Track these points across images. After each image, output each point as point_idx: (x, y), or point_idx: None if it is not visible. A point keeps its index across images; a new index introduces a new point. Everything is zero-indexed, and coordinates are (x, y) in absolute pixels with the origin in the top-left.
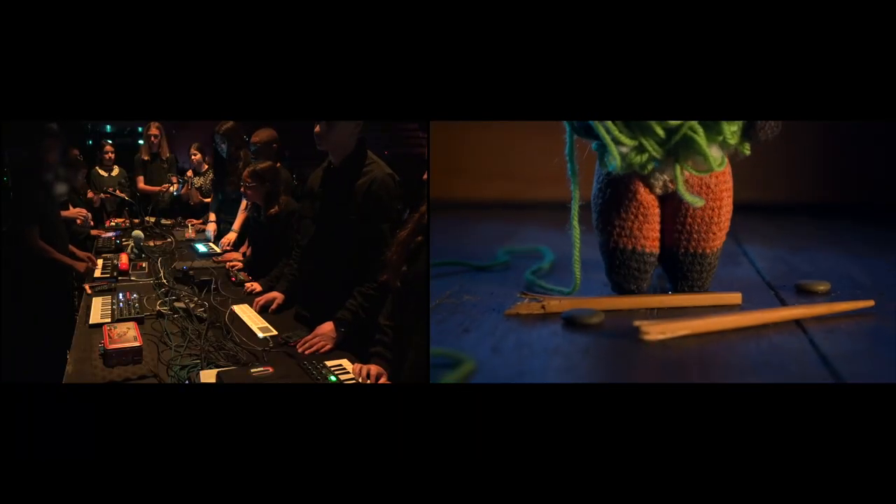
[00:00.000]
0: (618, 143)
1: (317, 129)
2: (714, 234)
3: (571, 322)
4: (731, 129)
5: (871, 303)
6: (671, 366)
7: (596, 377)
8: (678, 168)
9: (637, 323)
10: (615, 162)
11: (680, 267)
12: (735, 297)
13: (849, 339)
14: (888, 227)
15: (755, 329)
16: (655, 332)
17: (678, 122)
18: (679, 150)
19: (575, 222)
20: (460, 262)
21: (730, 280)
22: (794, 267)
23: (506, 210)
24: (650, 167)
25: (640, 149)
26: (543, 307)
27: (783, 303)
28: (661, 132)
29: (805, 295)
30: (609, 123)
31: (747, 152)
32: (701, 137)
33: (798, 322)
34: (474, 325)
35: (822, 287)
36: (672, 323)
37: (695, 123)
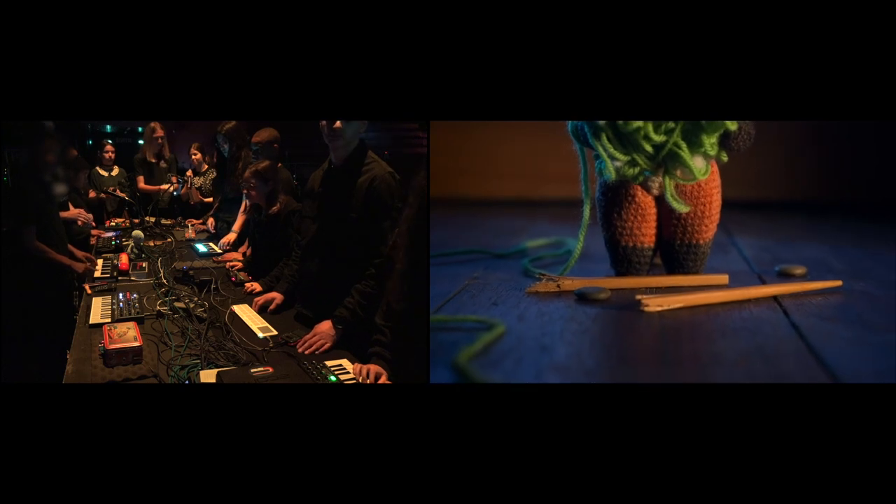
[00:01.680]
0: (613, 158)
1: (337, 124)
2: (706, 226)
3: (583, 297)
4: (710, 142)
5: (839, 282)
6: (666, 331)
7: (605, 339)
8: (667, 179)
9: (638, 297)
10: (610, 174)
11: (676, 256)
12: (722, 279)
13: (816, 309)
14: (870, 221)
15: (738, 303)
16: (654, 304)
17: (664, 138)
18: (667, 163)
19: (581, 236)
20: (482, 250)
21: (719, 266)
22: (777, 255)
23: (516, 207)
24: (641, 178)
25: (633, 163)
26: (559, 286)
27: (763, 283)
28: (649, 148)
29: (785, 277)
30: (605, 141)
31: (725, 159)
32: (685, 152)
33: (775, 298)
34: (501, 299)
35: (800, 271)
36: (668, 297)
37: (679, 140)
